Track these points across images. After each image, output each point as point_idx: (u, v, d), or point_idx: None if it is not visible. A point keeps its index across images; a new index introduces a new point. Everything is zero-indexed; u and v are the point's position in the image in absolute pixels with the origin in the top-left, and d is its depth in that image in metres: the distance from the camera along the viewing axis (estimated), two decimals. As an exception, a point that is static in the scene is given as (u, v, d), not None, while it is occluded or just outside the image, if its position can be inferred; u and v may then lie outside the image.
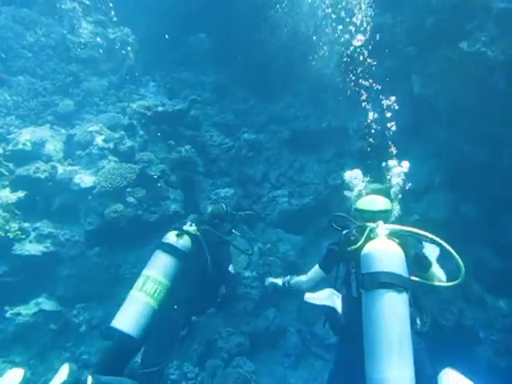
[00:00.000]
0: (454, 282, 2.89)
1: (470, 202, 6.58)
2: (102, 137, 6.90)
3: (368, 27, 5.93)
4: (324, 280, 3.31)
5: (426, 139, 6.58)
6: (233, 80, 9.72)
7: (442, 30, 5.24)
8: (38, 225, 6.41)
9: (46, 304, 6.21)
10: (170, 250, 3.43)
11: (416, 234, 2.84)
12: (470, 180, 6.27)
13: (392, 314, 2.49)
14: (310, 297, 3.04)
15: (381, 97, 6.59)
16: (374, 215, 3.07)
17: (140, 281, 3.31)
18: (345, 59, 6.59)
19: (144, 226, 6.64)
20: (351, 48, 6.28)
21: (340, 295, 3.00)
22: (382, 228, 2.88)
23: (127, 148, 6.92)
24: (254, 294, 6.96)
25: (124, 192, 6.52)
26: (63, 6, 8.29)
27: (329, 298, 2.97)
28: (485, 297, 6.94)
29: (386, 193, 3.41)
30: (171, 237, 3.52)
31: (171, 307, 3.30)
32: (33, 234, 6.33)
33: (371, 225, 2.93)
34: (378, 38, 5.78)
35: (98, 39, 8.33)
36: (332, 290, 3.04)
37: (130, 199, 6.52)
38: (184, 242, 3.50)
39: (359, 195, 3.47)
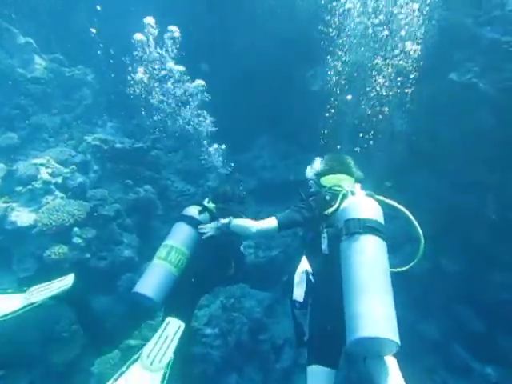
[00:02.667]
0: (413, 262, 2.94)
1: (451, 255, 6.16)
2: (49, 170, 6.06)
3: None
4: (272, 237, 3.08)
5: (402, 184, 6.31)
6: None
7: (428, 62, 5.16)
8: (-45, 271, 5.26)
9: (-45, 372, 4.88)
10: (192, 222, 3.56)
11: (383, 202, 2.86)
12: (452, 230, 5.90)
13: (376, 257, 2.45)
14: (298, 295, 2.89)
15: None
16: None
17: (163, 250, 3.42)
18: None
19: (90, 273, 5.65)
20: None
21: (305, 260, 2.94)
22: (359, 190, 2.95)
23: (78, 184, 6.09)
24: (215, 355, 5.99)
25: (70, 232, 5.58)
26: (16, 41, 7.76)
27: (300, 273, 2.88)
28: (470, 363, 6.31)
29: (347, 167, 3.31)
30: (192, 210, 3.66)
31: (189, 279, 3.43)
32: None
33: (346, 188, 2.93)
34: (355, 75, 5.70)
35: (52, 75, 7.75)
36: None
37: (77, 240, 5.57)
38: (204, 217, 3.65)
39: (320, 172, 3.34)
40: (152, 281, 3.30)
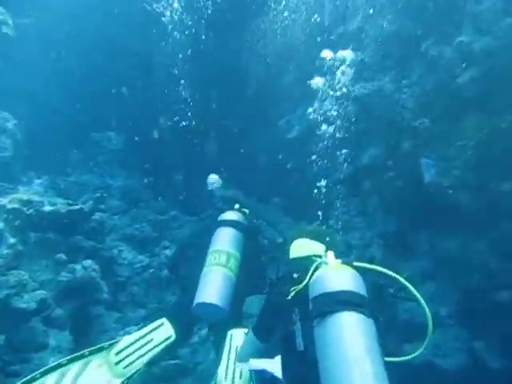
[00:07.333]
0: (420, 350, 2.19)
1: (493, 346, 4.78)
2: None
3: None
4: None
5: (423, 249, 5.08)
6: (148, 187, 7.87)
7: (481, 89, 4.02)
8: None
9: None
10: (236, 224, 3.45)
11: (375, 270, 2.27)
12: (495, 314, 4.60)
13: (357, 342, 1.86)
14: (257, 364, 2.35)
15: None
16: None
17: (221, 256, 3.21)
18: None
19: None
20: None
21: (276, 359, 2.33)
22: (333, 258, 2.39)
23: (-18, 265, 4.29)
24: None
25: (-36, 340, 3.74)
26: None
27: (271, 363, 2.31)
28: None
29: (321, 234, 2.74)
30: (231, 214, 3.56)
31: (238, 286, 3.25)
32: None
33: (318, 260, 2.40)
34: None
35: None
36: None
37: (-25, 352, 3.72)
38: (244, 218, 3.57)
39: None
40: (217, 290, 3.02)
